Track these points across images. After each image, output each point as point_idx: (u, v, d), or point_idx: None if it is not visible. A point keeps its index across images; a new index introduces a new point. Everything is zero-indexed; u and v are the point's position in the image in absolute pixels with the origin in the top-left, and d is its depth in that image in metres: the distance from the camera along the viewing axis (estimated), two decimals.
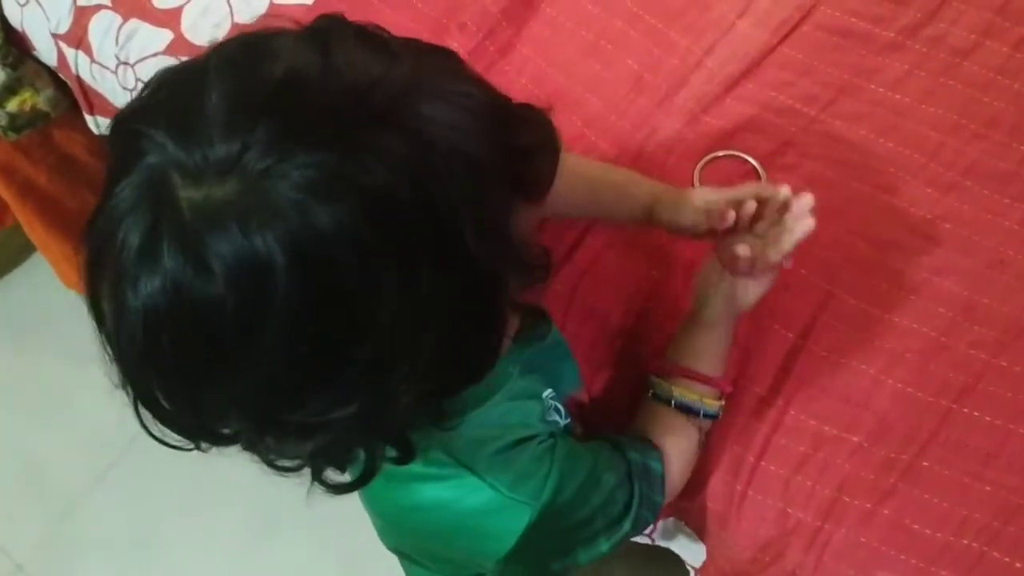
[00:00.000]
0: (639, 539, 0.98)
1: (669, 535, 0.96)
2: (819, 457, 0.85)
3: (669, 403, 0.80)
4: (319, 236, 0.42)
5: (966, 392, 0.85)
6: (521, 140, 0.51)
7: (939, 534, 0.81)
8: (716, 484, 0.87)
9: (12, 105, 1.26)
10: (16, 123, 1.28)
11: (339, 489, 0.57)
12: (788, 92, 1.01)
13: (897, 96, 1.00)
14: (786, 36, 1.03)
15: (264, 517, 1.51)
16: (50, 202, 1.42)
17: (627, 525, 0.72)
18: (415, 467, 0.61)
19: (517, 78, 1.04)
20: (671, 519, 0.94)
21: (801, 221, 0.73)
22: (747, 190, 0.77)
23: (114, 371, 0.48)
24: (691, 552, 0.95)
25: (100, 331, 0.48)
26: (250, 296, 0.43)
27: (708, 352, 0.81)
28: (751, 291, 0.79)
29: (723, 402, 0.83)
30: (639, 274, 0.93)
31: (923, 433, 0.84)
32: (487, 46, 1.05)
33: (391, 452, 0.57)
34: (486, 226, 0.48)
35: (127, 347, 0.46)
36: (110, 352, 0.48)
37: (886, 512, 0.83)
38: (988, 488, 0.82)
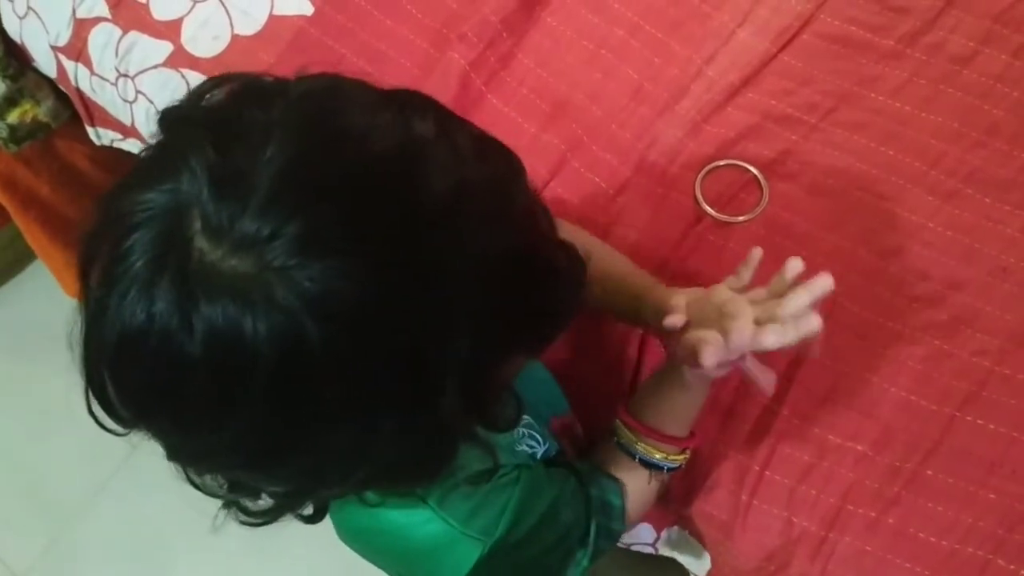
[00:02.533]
0: (642, 548, 0.98)
1: (673, 544, 0.96)
2: (824, 466, 0.85)
3: (634, 457, 0.77)
4: (304, 347, 0.40)
5: (970, 400, 0.86)
6: (545, 298, 0.49)
7: (944, 542, 0.82)
8: (721, 493, 0.87)
9: (13, 117, 1.25)
10: (17, 135, 1.27)
11: (251, 520, 0.55)
12: (788, 101, 1.01)
13: (897, 104, 1.00)
14: (786, 45, 1.04)
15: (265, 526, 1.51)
16: (52, 212, 1.42)
17: (585, 561, 0.73)
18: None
19: (518, 88, 1.05)
20: (675, 528, 0.94)
21: (799, 321, 0.63)
22: (724, 290, 0.70)
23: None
24: (696, 561, 0.95)
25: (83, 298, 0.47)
26: (219, 371, 0.41)
27: (678, 414, 0.77)
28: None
29: (688, 454, 0.79)
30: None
31: (927, 441, 0.85)
32: (488, 56, 1.05)
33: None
34: (469, 385, 0.46)
35: (93, 342, 0.45)
36: (80, 325, 0.46)
37: (891, 521, 0.83)
38: (993, 496, 0.82)
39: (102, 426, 0.49)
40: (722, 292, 0.70)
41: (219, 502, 0.55)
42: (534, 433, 0.76)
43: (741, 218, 0.95)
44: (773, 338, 0.63)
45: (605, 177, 0.99)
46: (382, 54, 1.08)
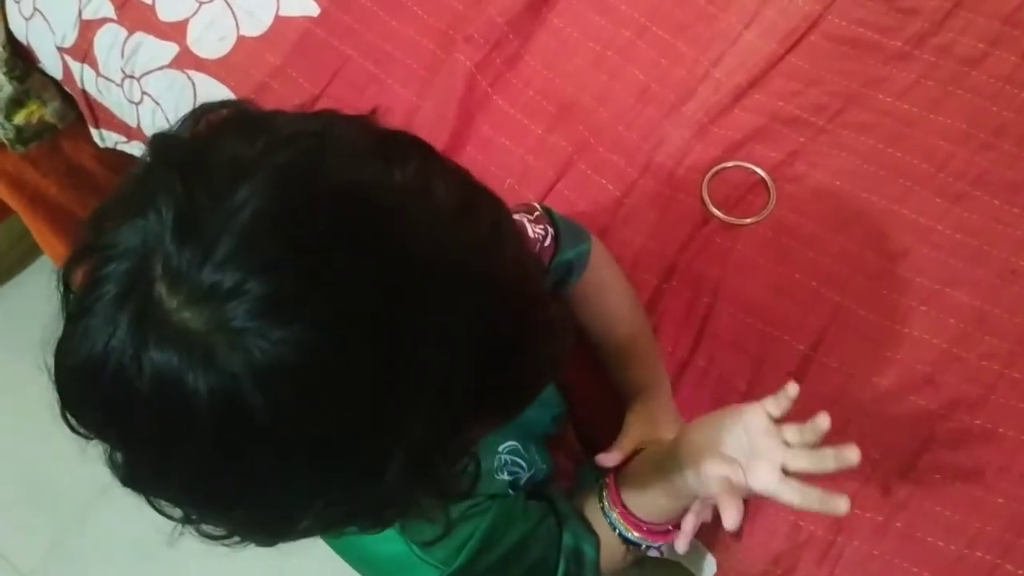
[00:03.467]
0: (648, 551, 0.97)
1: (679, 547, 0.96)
2: None
3: (613, 529, 0.76)
4: (243, 412, 0.39)
5: (978, 404, 0.85)
6: (520, 373, 0.46)
7: (952, 547, 0.81)
8: None
9: (19, 118, 1.26)
10: (24, 136, 1.28)
11: (208, 539, 0.54)
12: (796, 102, 1.01)
13: (905, 106, 0.99)
14: (793, 46, 1.03)
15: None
16: (60, 211, 1.42)
17: None
18: None
19: (524, 90, 1.04)
20: None
21: (829, 498, 0.64)
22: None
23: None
24: (701, 564, 0.95)
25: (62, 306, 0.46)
26: (163, 415, 0.41)
27: (663, 514, 0.75)
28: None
29: (671, 543, 0.77)
30: None
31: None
32: (494, 58, 1.05)
33: None
34: (419, 460, 0.44)
35: (58, 360, 0.45)
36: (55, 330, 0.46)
37: (898, 525, 0.82)
38: (1001, 500, 0.82)
39: (75, 431, 0.48)
40: (759, 419, 0.67)
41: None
42: (518, 459, 0.74)
43: (748, 220, 0.94)
44: (791, 496, 0.64)
45: (612, 179, 0.99)
46: (388, 55, 1.08)
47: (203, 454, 0.41)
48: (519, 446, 0.74)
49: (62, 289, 0.46)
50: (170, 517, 0.49)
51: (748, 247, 0.93)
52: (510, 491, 0.74)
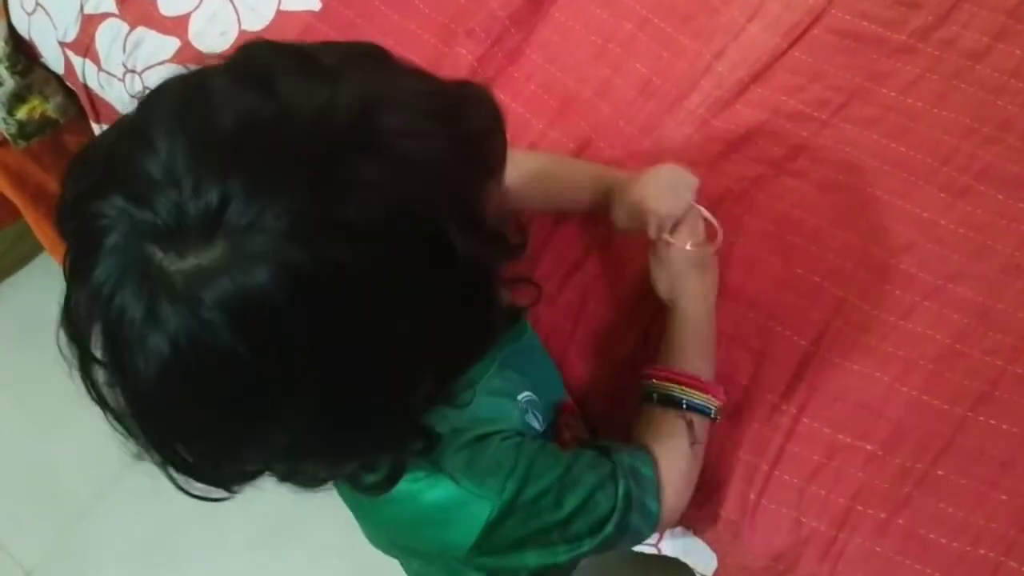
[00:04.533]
0: (643, 548, 0.97)
1: (677, 545, 0.95)
2: (833, 466, 0.84)
3: (652, 398, 0.79)
4: (316, 275, 0.42)
5: (982, 400, 0.84)
6: (474, 123, 0.51)
7: (955, 544, 0.81)
8: (729, 493, 0.86)
9: (22, 113, 1.26)
10: (26, 131, 1.28)
11: (372, 489, 0.57)
12: (799, 96, 1.00)
13: (909, 100, 0.99)
14: (796, 40, 1.03)
15: (276, 523, 1.51)
16: None
17: (610, 528, 0.69)
18: None
19: (526, 84, 1.04)
20: (679, 529, 0.93)
21: None
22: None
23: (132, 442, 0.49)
24: (701, 561, 0.94)
25: (105, 411, 0.49)
26: (261, 341, 0.43)
27: (696, 349, 0.81)
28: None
29: (713, 398, 0.79)
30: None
31: (938, 441, 0.84)
32: (495, 52, 1.04)
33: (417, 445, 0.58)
34: (467, 220, 0.48)
35: (144, 413, 0.47)
36: (121, 428, 0.49)
37: (901, 521, 0.82)
38: (1004, 497, 0.81)
39: (199, 497, 0.52)
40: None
41: (222, 504, 0.55)
42: (536, 412, 0.75)
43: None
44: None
45: None
46: (390, 49, 1.07)
47: (312, 340, 0.44)
48: (536, 399, 0.75)
49: (90, 388, 0.49)
50: (257, 475, 0.52)
51: (750, 242, 0.93)
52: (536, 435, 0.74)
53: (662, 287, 0.83)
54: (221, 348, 0.42)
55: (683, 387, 0.78)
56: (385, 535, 0.76)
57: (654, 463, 0.75)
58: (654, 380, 0.79)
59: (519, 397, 0.73)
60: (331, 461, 0.54)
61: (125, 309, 0.43)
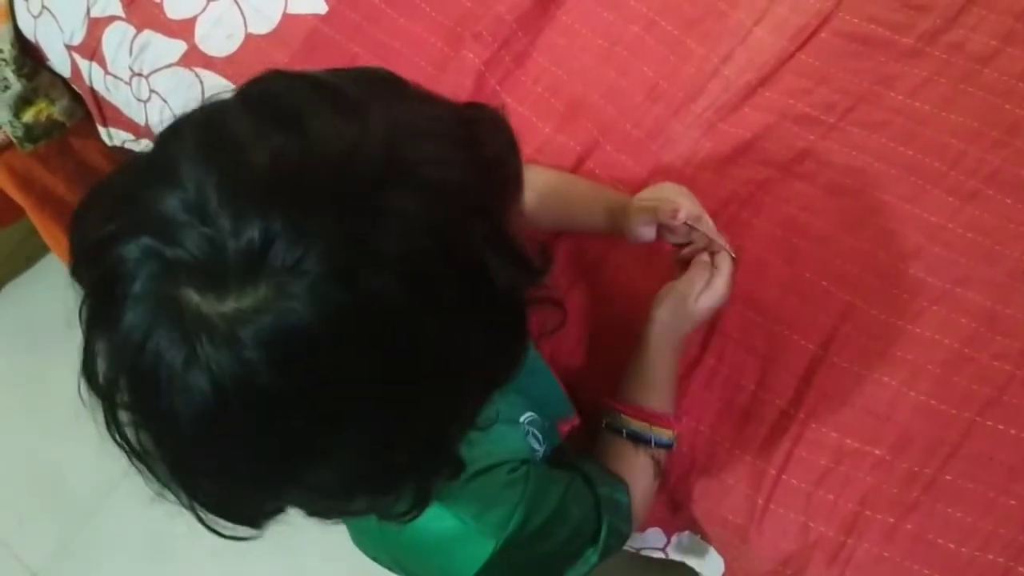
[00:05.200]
0: (650, 552, 0.97)
1: (684, 549, 0.95)
2: (841, 471, 0.84)
3: (621, 433, 0.82)
4: (361, 312, 0.41)
5: (990, 405, 0.84)
6: (492, 148, 0.51)
7: (964, 549, 0.81)
8: (737, 497, 0.86)
9: (28, 116, 1.26)
10: (32, 134, 1.28)
11: (400, 517, 0.56)
12: (806, 100, 1.00)
13: (917, 104, 0.98)
14: (804, 43, 1.02)
15: (279, 526, 1.51)
16: (69, 210, 1.41)
17: (594, 558, 0.73)
18: None
19: (533, 87, 1.04)
20: (686, 533, 0.94)
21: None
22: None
23: (151, 480, 0.48)
24: (708, 565, 0.94)
25: (131, 458, 0.48)
26: (307, 380, 0.42)
27: (655, 388, 0.82)
28: (703, 297, 0.79)
29: (675, 432, 0.83)
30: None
31: (946, 446, 0.84)
32: (502, 55, 1.04)
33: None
34: (498, 244, 0.48)
35: (180, 456, 0.46)
36: (146, 468, 0.48)
37: (909, 527, 0.82)
38: (1013, 502, 0.81)
39: (234, 537, 0.51)
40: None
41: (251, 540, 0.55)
42: (537, 433, 0.76)
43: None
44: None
45: (620, 178, 0.98)
46: (396, 53, 1.07)
47: (357, 385, 0.43)
48: (538, 418, 0.76)
49: (114, 430, 0.47)
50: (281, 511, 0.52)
51: (758, 246, 0.93)
52: (536, 459, 0.75)
53: (661, 296, 0.83)
54: (268, 389, 0.41)
55: (652, 425, 0.81)
56: (386, 554, 0.76)
57: (627, 490, 0.79)
58: (623, 416, 0.82)
59: (522, 419, 0.73)
60: (374, 497, 0.53)
61: (161, 355, 0.41)
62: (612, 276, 0.94)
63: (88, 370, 0.45)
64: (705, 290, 0.79)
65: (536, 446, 0.75)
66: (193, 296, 0.41)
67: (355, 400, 0.44)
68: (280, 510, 0.52)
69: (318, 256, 0.40)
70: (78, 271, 0.46)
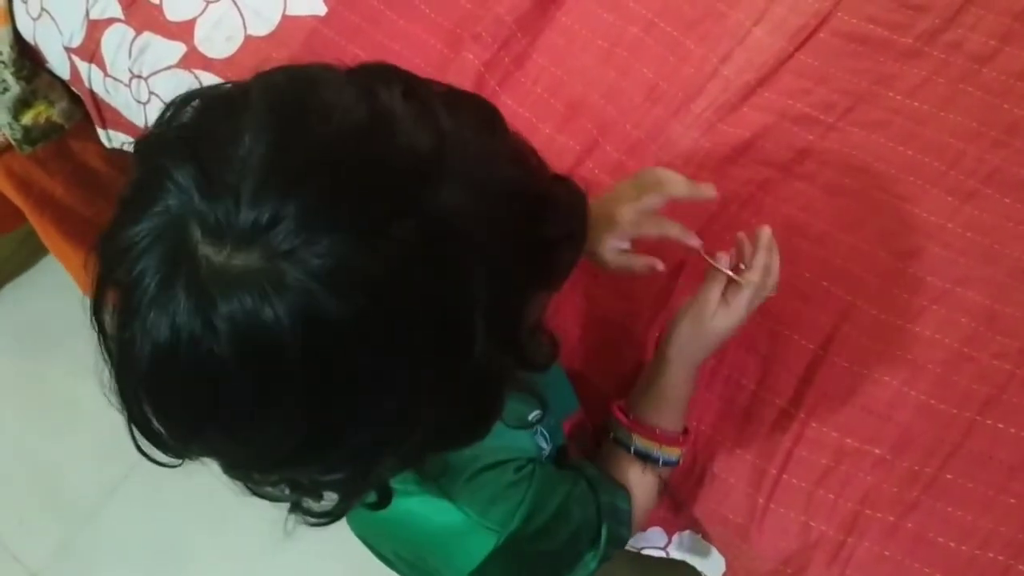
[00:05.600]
0: (653, 552, 0.97)
1: (685, 548, 0.96)
2: (841, 470, 0.84)
3: (629, 449, 0.81)
4: (329, 324, 0.41)
5: (990, 404, 0.85)
6: (550, 231, 0.49)
7: (964, 547, 0.81)
8: (737, 497, 0.86)
9: (27, 118, 1.26)
10: (31, 136, 1.28)
11: (316, 520, 0.56)
12: (805, 100, 1.00)
13: (916, 103, 0.99)
14: (803, 43, 1.03)
15: (279, 526, 1.51)
16: (67, 212, 1.42)
17: (593, 564, 0.74)
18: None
19: (533, 88, 1.04)
20: (687, 532, 0.94)
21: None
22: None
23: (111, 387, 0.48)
24: (709, 564, 0.94)
25: (101, 343, 0.48)
26: (251, 366, 0.42)
27: (669, 406, 0.80)
28: (719, 316, 0.76)
29: (683, 450, 0.82)
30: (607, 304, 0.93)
31: (947, 445, 0.84)
32: (502, 57, 1.04)
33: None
34: (498, 326, 0.46)
35: (127, 376, 0.46)
36: (109, 368, 0.48)
37: (910, 525, 0.82)
38: (1013, 500, 0.82)
39: (155, 461, 0.50)
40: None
41: (227, 505, 0.55)
42: (544, 432, 0.76)
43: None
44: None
45: (619, 178, 0.98)
46: (396, 54, 1.07)
47: (302, 383, 0.43)
48: (545, 417, 0.75)
49: (96, 325, 0.47)
50: (276, 499, 0.52)
51: None
52: (543, 458, 0.75)
53: (679, 315, 0.80)
54: (216, 357, 0.42)
55: (662, 445, 0.80)
56: (386, 545, 0.76)
57: (629, 498, 0.79)
58: (634, 434, 0.81)
59: (530, 417, 0.73)
60: (271, 483, 0.53)
61: (145, 273, 0.42)
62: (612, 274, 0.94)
63: (109, 239, 0.46)
64: (722, 307, 0.76)
65: (544, 445, 0.75)
66: (197, 234, 0.42)
67: (285, 404, 0.43)
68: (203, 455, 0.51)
69: (314, 254, 0.41)
70: (138, 153, 0.47)
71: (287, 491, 0.53)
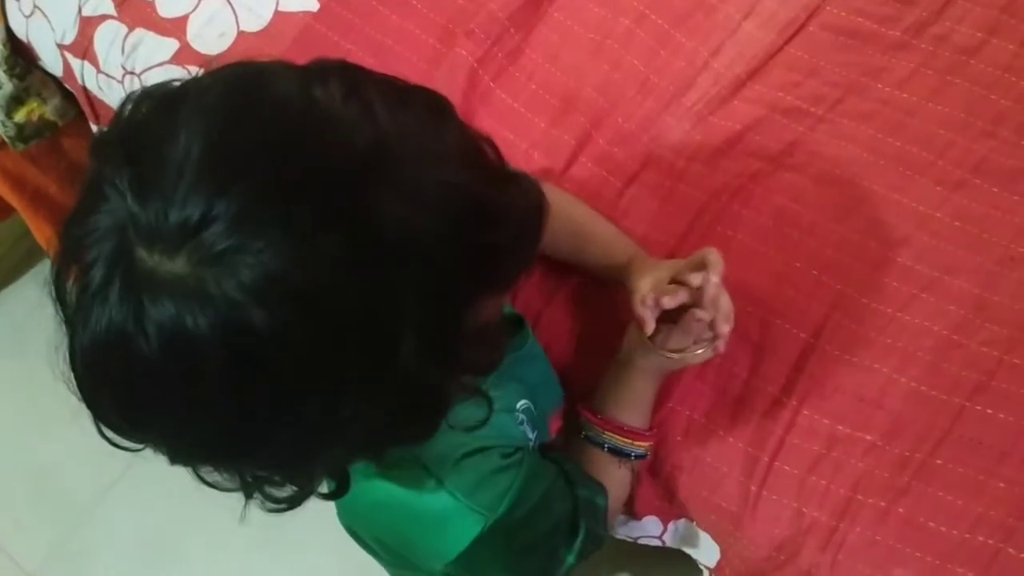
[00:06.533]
0: (649, 541, 0.98)
1: (680, 536, 0.96)
2: (833, 456, 0.85)
3: (602, 447, 0.83)
4: (252, 334, 0.41)
5: (979, 390, 0.85)
6: (497, 237, 0.48)
7: (954, 531, 0.82)
8: (730, 485, 0.87)
9: (20, 116, 1.26)
10: (24, 133, 1.28)
11: (275, 506, 0.55)
12: (795, 92, 1.01)
13: (904, 95, 1.00)
14: (792, 37, 1.04)
15: (275, 525, 1.51)
16: (61, 209, 1.42)
17: (571, 559, 0.74)
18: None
19: (527, 83, 1.05)
20: (682, 521, 0.94)
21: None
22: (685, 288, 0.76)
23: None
24: (704, 552, 0.95)
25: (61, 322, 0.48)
26: (177, 370, 0.43)
27: (636, 408, 0.84)
28: (688, 352, 0.79)
29: (652, 442, 0.86)
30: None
31: (937, 431, 0.85)
32: (495, 52, 1.05)
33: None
34: (429, 334, 0.45)
35: (76, 366, 0.47)
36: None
37: (901, 510, 0.83)
38: (1003, 485, 0.82)
39: (117, 445, 0.50)
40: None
41: (220, 504, 0.55)
42: (530, 422, 0.76)
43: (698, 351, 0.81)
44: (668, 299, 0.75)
45: (613, 171, 0.99)
46: (388, 50, 1.08)
47: (224, 390, 0.43)
48: (532, 407, 0.76)
49: (57, 303, 0.48)
50: (228, 489, 0.52)
51: (749, 236, 0.94)
52: (529, 446, 0.75)
53: (629, 339, 0.83)
54: (146, 356, 0.42)
55: (633, 441, 0.83)
56: (380, 538, 0.76)
57: (606, 495, 0.80)
58: (606, 433, 0.83)
59: (517, 407, 0.74)
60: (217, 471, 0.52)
61: (92, 267, 0.43)
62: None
63: (67, 234, 0.46)
64: (692, 348, 0.79)
65: (530, 434, 0.76)
66: (135, 237, 0.42)
67: (209, 404, 0.44)
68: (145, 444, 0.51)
69: (244, 264, 0.40)
70: (91, 155, 0.47)
71: (237, 482, 0.52)
